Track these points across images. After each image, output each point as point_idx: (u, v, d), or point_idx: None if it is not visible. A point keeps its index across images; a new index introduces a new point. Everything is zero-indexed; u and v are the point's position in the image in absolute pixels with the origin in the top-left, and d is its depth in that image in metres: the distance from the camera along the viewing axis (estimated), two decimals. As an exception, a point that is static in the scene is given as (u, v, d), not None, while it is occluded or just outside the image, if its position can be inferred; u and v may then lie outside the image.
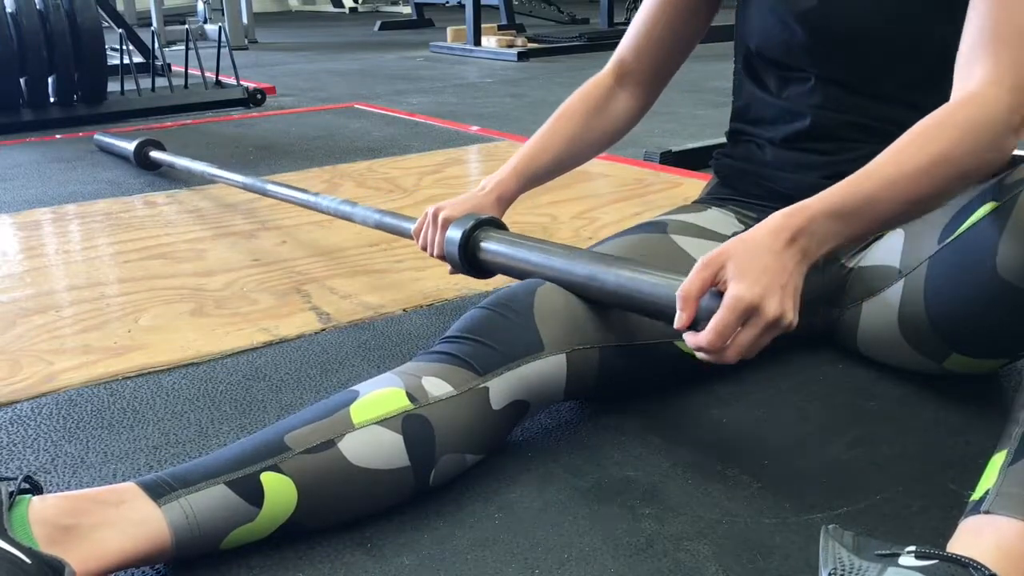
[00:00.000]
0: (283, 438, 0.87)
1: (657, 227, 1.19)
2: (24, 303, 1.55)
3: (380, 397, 0.91)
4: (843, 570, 0.69)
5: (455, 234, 1.18)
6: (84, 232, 1.98)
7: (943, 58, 1.05)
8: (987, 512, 0.72)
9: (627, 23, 6.50)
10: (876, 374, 1.19)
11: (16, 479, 0.82)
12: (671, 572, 0.84)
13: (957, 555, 0.68)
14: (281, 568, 0.85)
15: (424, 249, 1.27)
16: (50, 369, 1.29)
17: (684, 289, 0.89)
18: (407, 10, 8.80)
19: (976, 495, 0.74)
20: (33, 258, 1.80)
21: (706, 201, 1.29)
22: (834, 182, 0.92)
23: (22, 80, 3.12)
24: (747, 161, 1.25)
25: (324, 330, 1.42)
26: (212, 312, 1.49)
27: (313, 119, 3.35)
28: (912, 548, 0.69)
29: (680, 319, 0.89)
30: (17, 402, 1.20)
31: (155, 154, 2.44)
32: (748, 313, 0.85)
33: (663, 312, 0.94)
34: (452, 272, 1.24)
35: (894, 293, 1.08)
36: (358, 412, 0.90)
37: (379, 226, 1.49)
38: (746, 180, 1.24)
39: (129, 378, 1.27)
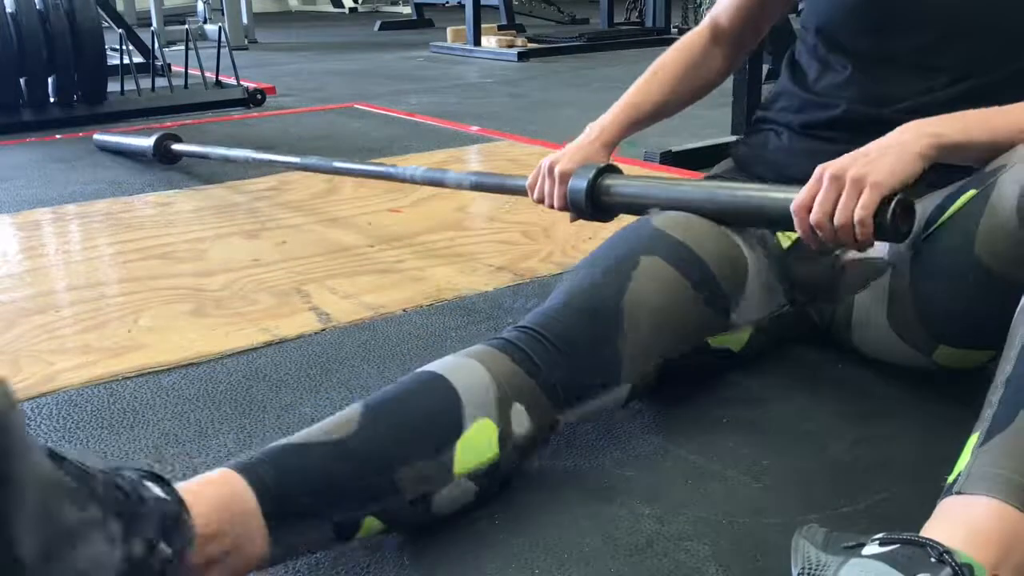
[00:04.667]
0: (395, 477, 0.84)
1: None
2: (24, 303, 1.55)
3: (479, 436, 0.89)
4: (810, 568, 0.69)
5: (580, 184, 1.27)
6: (84, 232, 1.98)
7: (999, 42, 1.07)
8: (959, 493, 0.72)
9: (627, 23, 6.45)
10: (876, 374, 1.19)
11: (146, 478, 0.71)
12: (671, 572, 0.84)
13: (916, 537, 0.68)
14: (281, 567, 0.85)
15: (541, 202, 1.34)
16: (50, 369, 1.29)
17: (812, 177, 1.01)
18: (407, 10, 8.80)
19: (951, 478, 0.75)
20: (33, 258, 1.80)
21: (722, 176, 1.30)
22: None
23: (22, 80, 3.11)
24: (763, 148, 1.27)
25: (324, 330, 1.42)
26: (212, 312, 1.49)
27: (313, 119, 3.35)
28: (878, 536, 0.70)
29: (795, 201, 1.02)
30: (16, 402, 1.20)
31: (178, 146, 2.44)
32: (834, 179, 0.98)
33: (779, 217, 1.07)
34: (573, 219, 1.32)
35: (882, 284, 1.09)
36: (461, 457, 0.88)
37: (477, 187, 1.58)
38: (758, 165, 1.26)
39: (129, 378, 1.27)
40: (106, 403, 1.19)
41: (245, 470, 0.79)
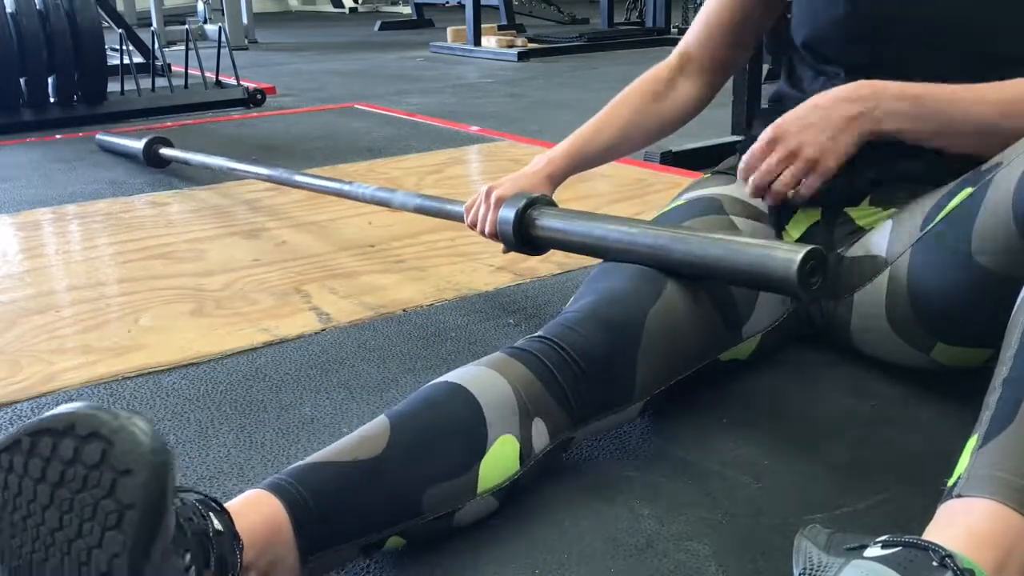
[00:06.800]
0: (423, 498, 0.85)
1: (713, 206, 1.19)
2: (24, 303, 1.55)
3: (503, 453, 0.89)
4: (811, 569, 0.69)
5: (509, 212, 1.21)
6: (84, 232, 1.98)
7: (975, 59, 1.06)
8: (959, 496, 0.72)
9: (627, 23, 6.42)
10: (876, 374, 1.19)
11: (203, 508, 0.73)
12: (671, 572, 0.84)
13: (919, 540, 0.68)
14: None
15: (474, 227, 1.30)
16: (50, 369, 1.29)
17: (749, 152, 1.10)
18: (407, 10, 8.80)
19: (950, 481, 0.75)
20: (33, 258, 1.80)
21: (727, 173, 1.30)
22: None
23: (22, 80, 3.12)
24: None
25: (324, 330, 1.42)
26: (212, 312, 1.49)
27: (313, 119, 3.35)
28: (881, 539, 0.70)
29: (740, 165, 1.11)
30: (17, 402, 1.20)
31: (165, 151, 2.44)
32: (771, 143, 1.08)
33: (738, 274, 1.00)
34: (505, 251, 1.27)
35: (881, 282, 1.09)
36: (485, 474, 0.88)
37: (420, 210, 1.51)
38: None
39: (129, 378, 1.27)
40: (106, 403, 1.19)
41: (282, 493, 0.80)
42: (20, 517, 0.63)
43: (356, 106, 3.60)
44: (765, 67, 2.79)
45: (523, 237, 1.21)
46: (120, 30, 3.53)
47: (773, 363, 1.22)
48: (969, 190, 0.97)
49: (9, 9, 2.99)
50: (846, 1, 1.13)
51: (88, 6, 3.16)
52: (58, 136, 3.07)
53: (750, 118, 2.52)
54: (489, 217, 1.25)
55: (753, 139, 1.30)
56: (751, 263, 0.99)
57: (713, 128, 2.80)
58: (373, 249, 1.80)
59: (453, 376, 0.93)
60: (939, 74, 1.09)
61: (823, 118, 1.05)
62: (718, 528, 0.90)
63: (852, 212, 1.17)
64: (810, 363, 1.23)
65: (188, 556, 0.67)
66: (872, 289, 1.11)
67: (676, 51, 1.34)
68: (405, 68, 4.94)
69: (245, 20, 6.37)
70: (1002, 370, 0.79)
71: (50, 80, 3.22)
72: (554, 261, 1.70)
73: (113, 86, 3.41)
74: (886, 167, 1.12)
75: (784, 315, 1.19)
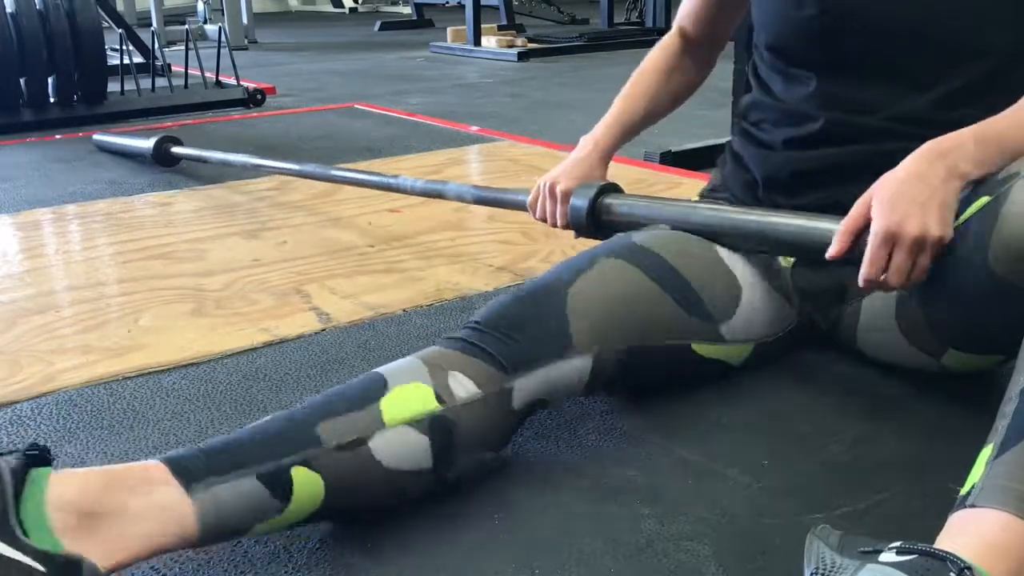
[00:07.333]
0: (316, 428, 0.86)
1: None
2: (24, 303, 1.55)
3: (409, 394, 0.91)
4: (824, 569, 0.69)
5: (581, 203, 1.28)
6: (84, 232, 1.98)
7: (947, 63, 1.06)
8: (973, 505, 0.72)
9: (627, 23, 6.39)
10: (876, 374, 1.19)
11: (17, 452, 0.76)
12: (671, 572, 0.84)
13: (936, 549, 0.68)
14: (283, 568, 0.86)
15: (543, 221, 1.36)
16: (50, 369, 1.29)
17: (844, 224, 0.99)
18: (407, 10, 8.79)
19: (964, 490, 0.75)
20: (33, 258, 1.80)
21: (714, 196, 1.30)
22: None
23: (22, 80, 3.12)
24: (740, 167, 1.26)
25: (324, 330, 1.42)
26: (212, 312, 1.49)
27: (313, 119, 3.35)
28: (896, 544, 0.69)
29: (832, 249, 0.99)
30: (17, 402, 1.20)
31: (177, 149, 2.44)
32: (891, 239, 0.94)
33: (811, 249, 1.06)
34: (577, 236, 1.33)
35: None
36: (389, 409, 0.89)
37: (479, 201, 1.58)
38: (737, 182, 1.25)
39: (129, 378, 1.27)
40: (106, 403, 1.19)
41: (162, 459, 0.83)
42: None
43: (356, 106, 3.60)
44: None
45: (598, 224, 1.28)
46: (120, 30, 3.53)
47: (773, 362, 1.22)
48: (986, 199, 0.95)
49: (9, 9, 2.99)
50: (815, 1, 1.11)
51: (88, 6, 3.16)
52: (58, 136, 3.07)
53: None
54: (559, 211, 1.31)
55: (736, 156, 1.28)
56: (803, 233, 1.06)
57: (713, 128, 2.80)
58: (373, 249, 1.80)
59: None
60: (914, 70, 1.09)
61: (924, 188, 0.94)
62: (718, 528, 0.90)
63: None
64: (810, 363, 1.23)
65: None
66: (882, 296, 1.10)
67: (675, 28, 1.39)
68: (405, 68, 4.94)
69: (245, 20, 6.37)
70: (1019, 379, 0.78)
71: (50, 80, 3.22)
72: (554, 261, 1.69)
73: (113, 86, 3.41)
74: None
75: (788, 329, 1.18)
